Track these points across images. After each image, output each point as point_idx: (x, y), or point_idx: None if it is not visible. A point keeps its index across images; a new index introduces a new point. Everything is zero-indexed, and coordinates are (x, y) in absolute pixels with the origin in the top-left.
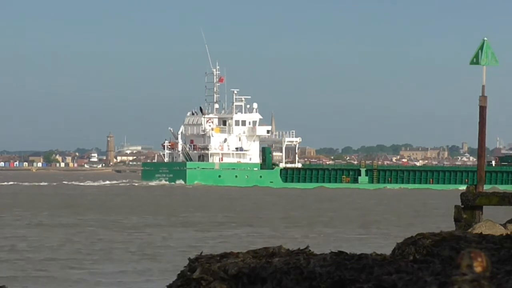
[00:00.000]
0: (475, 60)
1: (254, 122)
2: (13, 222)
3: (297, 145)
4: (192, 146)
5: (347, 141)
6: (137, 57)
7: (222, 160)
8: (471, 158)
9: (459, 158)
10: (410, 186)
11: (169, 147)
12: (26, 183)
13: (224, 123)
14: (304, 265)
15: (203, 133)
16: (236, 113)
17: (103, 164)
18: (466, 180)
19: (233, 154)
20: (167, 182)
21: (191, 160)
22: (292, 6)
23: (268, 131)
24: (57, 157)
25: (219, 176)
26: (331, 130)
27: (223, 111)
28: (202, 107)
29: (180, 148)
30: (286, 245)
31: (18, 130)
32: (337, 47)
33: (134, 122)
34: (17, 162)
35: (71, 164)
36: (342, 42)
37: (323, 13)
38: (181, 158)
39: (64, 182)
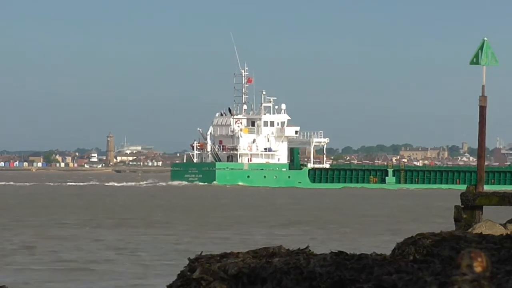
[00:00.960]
0: (475, 60)
1: (283, 123)
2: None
3: (325, 146)
4: (221, 147)
5: (347, 141)
6: (139, 57)
7: (250, 160)
8: (471, 158)
9: (459, 158)
10: (437, 186)
11: (198, 147)
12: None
13: (253, 124)
14: (304, 265)
15: (232, 134)
16: (264, 114)
17: (103, 164)
18: (493, 180)
19: (261, 154)
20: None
21: (220, 160)
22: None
23: (296, 132)
24: (57, 157)
25: (248, 176)
26: (331, 130)
27: (251, 112)
28: (230, 108)
29: (209, 148)
30: (286, 245)
31: (18, 130)
32: (337, 47)
33: (134, 122)
34: (17, 162)
35: (71, 164)
36: (342, 42)
37: (324, 12)
38: (210, 159)
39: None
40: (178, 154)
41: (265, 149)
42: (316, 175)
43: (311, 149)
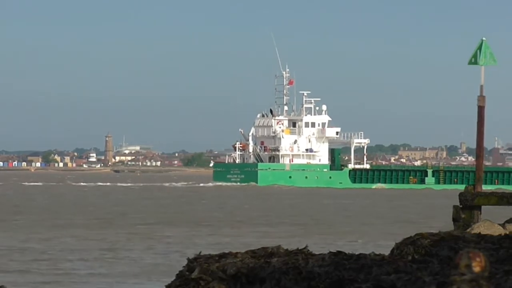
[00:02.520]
0: (474, 60)
1: (323, 124)
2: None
3: (365, 146)
4: (263, 148)
5: None
6: (145, 58)
7: (292, 161)
8: (469, 158)
9: (458, 158)
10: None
11: (241, 148)
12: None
13: (294, 125)
14: (303, 265)
15: (273, 135)
16: (305, 115)
17: (102, 164)
18: None
19: (303, 155)
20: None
21: (261, 161)
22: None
23: (337, 133)
24: (56, 157)
25: (290, 177)
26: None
27: (292, 113)
28: (272, 109)
29: (251, 149)
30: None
31: (17, 130)
32: (337, 47)
33: (133, 122)
34: (15, 162)
35: (69, 164)
36: (342, 42)
37: (326, 13)
38: (252, 159)
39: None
40: (176, 154)
41: (306, 149)
42: (357, 175)
43: (352, 149)
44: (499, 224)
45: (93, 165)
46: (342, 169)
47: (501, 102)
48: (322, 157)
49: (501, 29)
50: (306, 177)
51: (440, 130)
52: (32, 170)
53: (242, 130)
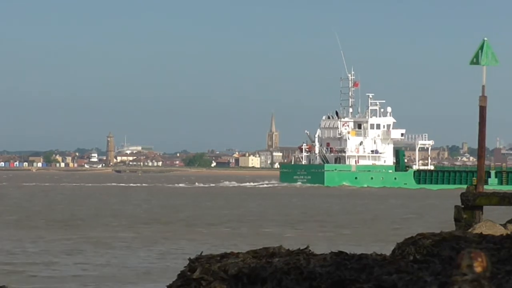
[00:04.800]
0: (475, 60)
1: (388, 126)
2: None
3: (429, 148)
4: (329, 149)
5: None
6: (143, 58)
7: (358, 162)
8: (471, 158)
9: (459, 158)
10: None
11: (307, 150)
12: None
13: (359, 127)
14: (304, 265)
15: (339, 136)
16: (371, 117)
17: (103, 164)
18: None
19: (368, 156)
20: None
21: (327, 162)
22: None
23: (402, 134)
24: (57, 157)
25: (356, 178)
26: None
27: (357, 115)
28: (337, 111)
29: (317, 150)
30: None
31: (18, 130)
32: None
33: (134, 122)
34: (17, 162)
35: (71, 164)
36: (342, 42)
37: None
38: (318, 161)
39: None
40: (178, 154)
41: (372, 151)
42: (421, 176)
43: (416, 151)
44: (501, 224)
45: (94, 165)
46: (406, 170)
47: (503, 102)
48: (387, 158)
49: (503, 29)
50: (372, 178)
51: (441, 130)
52: (34, 171)
53: (308, 132)
